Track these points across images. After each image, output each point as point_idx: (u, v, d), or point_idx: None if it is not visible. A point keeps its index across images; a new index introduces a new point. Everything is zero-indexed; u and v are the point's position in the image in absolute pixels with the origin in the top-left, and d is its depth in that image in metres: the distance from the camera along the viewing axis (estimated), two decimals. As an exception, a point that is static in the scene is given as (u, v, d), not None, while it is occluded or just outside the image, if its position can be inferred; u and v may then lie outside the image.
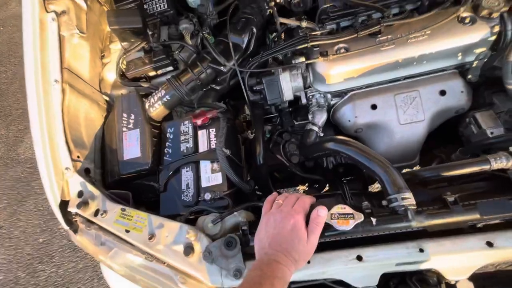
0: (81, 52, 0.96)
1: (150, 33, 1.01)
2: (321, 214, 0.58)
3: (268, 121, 1.10)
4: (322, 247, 0.63)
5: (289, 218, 0.58)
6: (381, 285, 0.62)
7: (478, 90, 0.89)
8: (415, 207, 0.60)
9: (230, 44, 0.89)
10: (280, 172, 1.09)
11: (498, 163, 0.66)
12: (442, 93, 0.85)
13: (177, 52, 1.04)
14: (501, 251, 0.58)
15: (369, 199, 0.71)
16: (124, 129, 0.92)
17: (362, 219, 0.59)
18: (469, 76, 0.85)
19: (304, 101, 0.97)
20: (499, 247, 0.58)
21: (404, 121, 0.87)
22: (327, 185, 1.04)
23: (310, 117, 0.95)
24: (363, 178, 1.01)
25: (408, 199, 0.60)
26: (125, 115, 0.94)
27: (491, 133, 0.82)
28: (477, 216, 0.58)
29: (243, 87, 0.92)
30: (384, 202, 0.63)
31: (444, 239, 0.59)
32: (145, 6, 1.08)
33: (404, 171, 0.72)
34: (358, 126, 0.90)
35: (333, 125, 1.01)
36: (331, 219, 0.60)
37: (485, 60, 0.81)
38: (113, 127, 0.95)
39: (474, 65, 0.81)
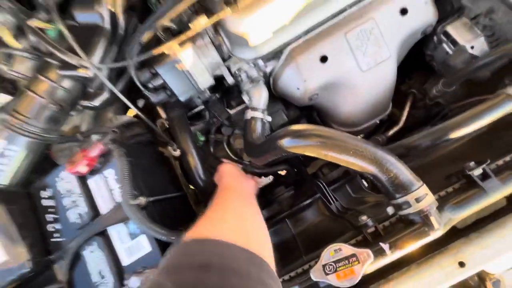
0: None
1: None
2: None
3: (196, 118, 0.80)
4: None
5: None
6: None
7: (440, -4, 0.68)
8: (436, 204, 0.39)
9: (63, 30, 0.51)
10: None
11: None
12: (403, 12, 0.62)
13: (4, 66, 0.63)
14: None
15: (360, 200, 0.49)
16: (-38, 223, 0.55)
17: (372, 258, 0.37)
18: (429, -22, 0.62)
19: (230, 80, 0.67)
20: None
21: (367, 65, 0.63)
22: (299, 176, 0.81)
23: (245, 99, 0.67)
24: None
25: (425, 196, 0.38)
26: (-46, 200, 0.56)
27: (472, 47, 0.63)
28: (522, 184, 0.40)
29: (117, 93, 0.56)
30: (389, 210, 0.41)
31: (485, 234, 0.40)
32: None
33: (395, 143, 0.50)
34: (311, 92, 0.65)
35: (281, 99, 0.74)
36: (326, 274, 0.37)
37: None
38: None
39: (435, -41, 0.58)
